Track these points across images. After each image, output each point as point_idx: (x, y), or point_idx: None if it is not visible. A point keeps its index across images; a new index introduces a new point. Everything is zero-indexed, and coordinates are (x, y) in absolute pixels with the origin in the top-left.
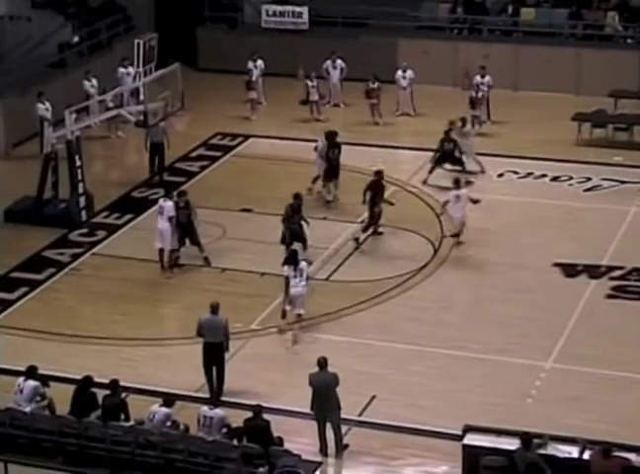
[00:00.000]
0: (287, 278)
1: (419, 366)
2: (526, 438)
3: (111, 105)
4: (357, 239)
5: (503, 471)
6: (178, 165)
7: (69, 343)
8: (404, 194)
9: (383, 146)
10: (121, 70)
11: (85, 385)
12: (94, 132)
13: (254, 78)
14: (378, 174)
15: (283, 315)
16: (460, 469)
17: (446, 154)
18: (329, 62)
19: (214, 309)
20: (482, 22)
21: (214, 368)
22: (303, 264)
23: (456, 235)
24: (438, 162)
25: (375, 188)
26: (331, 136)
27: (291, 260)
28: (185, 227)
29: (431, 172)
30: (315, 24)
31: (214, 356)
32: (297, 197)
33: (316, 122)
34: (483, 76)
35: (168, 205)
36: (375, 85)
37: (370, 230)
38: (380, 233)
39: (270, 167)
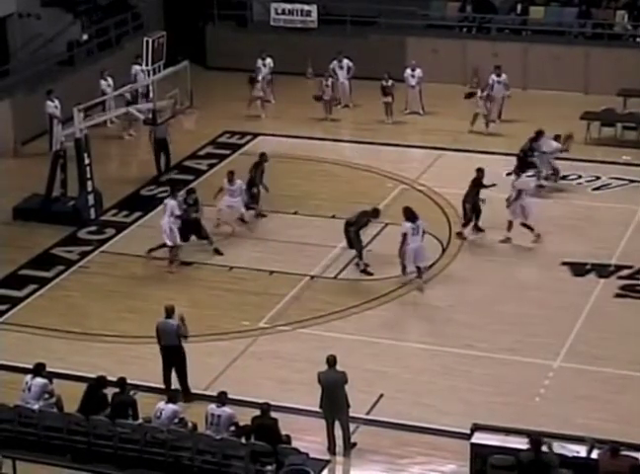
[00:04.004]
0: (405, 235)
1: (427, 365)
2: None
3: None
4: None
5: (511, 470)
6: (186, 163)
7: (77, 340)
8: (412, 192)
9: (392, 145)
10: (136, 67)
11: (98, 385)
12: (105, 131)
13: (261, 76)
14: (478, 172)
15: (404, 270)
16: (468, 468)
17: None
18: (335, 63)
19: (169, 313)
20: (491, 20)
21: (173, 371)
22: (420, 221)
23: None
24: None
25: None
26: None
27: (411, 217)
28: (192, 223)
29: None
30: (324, 22)
31: (172, 359)
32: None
33: (325, 121)
34: (499, 75)
35: (171, 204)
36: (390, 83)
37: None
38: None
39: (278, 165)
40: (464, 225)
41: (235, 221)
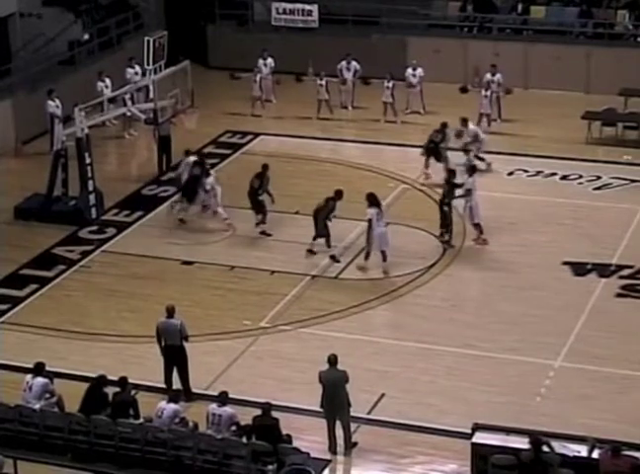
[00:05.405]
0: (371, 221)
1: (428, 364)
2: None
3: (129, 103)
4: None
5: (512, 470)
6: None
7: (78, 340)
8: (413, 192)
9: (393, 144)
10: (130, 71)
11: (99, 384)
12: (105, 131)
13: (260, 76)
14: (450, 173)
15: (367, 256)
16: (469, 467)
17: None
18: (344, 63)
19: (170, 313)
20: (492, 20)
21: (175, 370)
22: (383, 206)
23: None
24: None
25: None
26: None
27: (375, 203)
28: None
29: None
30: (325, 22)
31: (174, 358)
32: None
33: (325, 121)
34: (493, 74)
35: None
36: (391, 83)
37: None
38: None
39: (279, 165)
40: (446, 232)
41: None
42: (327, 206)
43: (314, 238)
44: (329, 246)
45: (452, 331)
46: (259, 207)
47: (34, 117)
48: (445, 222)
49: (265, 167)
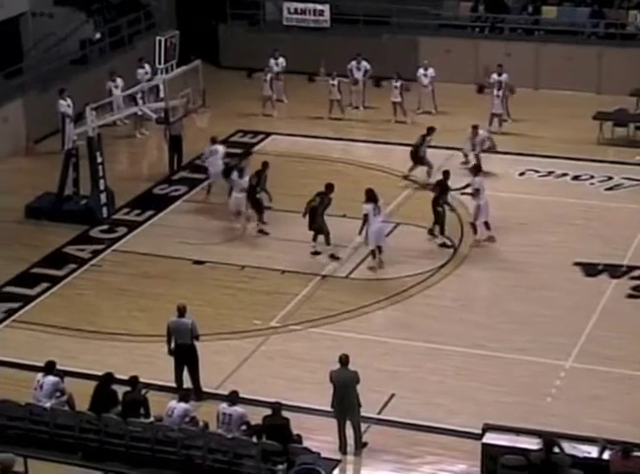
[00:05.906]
0: (367, 216)
1: (438, 365)
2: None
3: (140, 102)
4: (443, 244)
5: (522, 470)
6: (199, 162)
7: (89, 339)
8: (424, 192)
9: (404, 145)
10: (140, 71)
11: (106, 382)
12: (115, 130)
13: (270, 75)
14: (445, 174)
15: (374, 254)
16: (479, 468)
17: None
18: (354, 63)
19: (181, 312)
20: (503, 20)
21: (186, 369)
22: (381, 202)
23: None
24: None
25: (440, 187)
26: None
27: (373, 198)
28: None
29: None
30: (337, 22)
31: (185, 358)
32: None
33: (336, 121)
34: (500, 74)
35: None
36: (399, 83)
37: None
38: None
39: (291, 164)
40: (441, 233)
41: None
42: (323, 203)
43: (314, 238)
44: (328, 243)
45: (462, 331)
46: (256, 206)
47: (45, 116)
48: (440, 223)
49: (264, 165)
